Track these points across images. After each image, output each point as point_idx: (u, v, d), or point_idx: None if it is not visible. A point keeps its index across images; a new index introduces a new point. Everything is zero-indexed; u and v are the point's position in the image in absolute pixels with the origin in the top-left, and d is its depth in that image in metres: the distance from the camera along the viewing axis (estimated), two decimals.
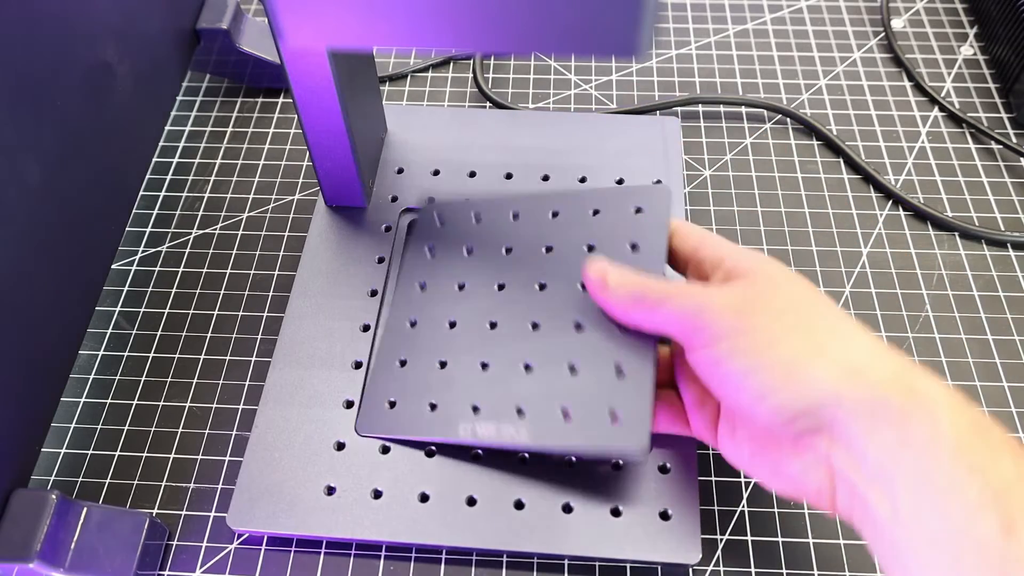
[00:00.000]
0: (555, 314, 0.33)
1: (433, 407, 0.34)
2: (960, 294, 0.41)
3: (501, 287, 0.36)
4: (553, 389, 0.32)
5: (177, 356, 0.40)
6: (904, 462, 0.24)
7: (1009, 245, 0.43)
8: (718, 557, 0.34)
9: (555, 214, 0.36)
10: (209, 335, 0.40)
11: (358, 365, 0.37)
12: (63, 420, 0.38)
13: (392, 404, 0.35)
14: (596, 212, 0.35)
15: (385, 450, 0.35)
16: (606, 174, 0.43)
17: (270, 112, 0.50)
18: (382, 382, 0.36)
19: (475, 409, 0.33)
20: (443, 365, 0.35)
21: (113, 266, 0.43)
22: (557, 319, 0.33)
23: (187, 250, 0.43)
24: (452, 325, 0.36)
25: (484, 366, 0.34)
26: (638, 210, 0.34)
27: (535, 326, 0.34)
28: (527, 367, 0.33)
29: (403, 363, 0.36)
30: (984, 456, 0.24)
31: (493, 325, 0.35)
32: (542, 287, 0.35)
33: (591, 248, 0.34)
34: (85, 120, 0.36)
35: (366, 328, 0.38)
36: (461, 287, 0.36)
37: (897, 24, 0.54)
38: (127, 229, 0.44)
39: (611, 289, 0.31)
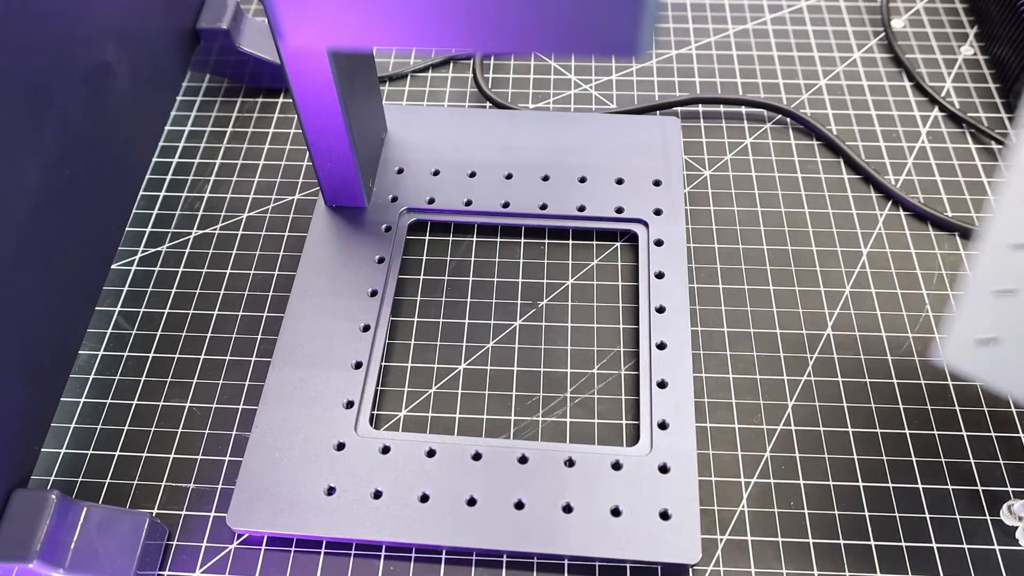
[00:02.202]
0: None
1: None
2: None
3: None
4: None
5: (177, 356, 0.40)
6: None
7: None
8: (718, 557, 0.34)
9: None
10: (209, 335, 0.40)
11: (358, 365, 0.37)
12: (63, 420, 0.38)
13: (990, 341, 0.29)
14: None
15: (385, 450, 0.35)
16: (606, 174, 0.43)
17: (270, 112, 0.50)
18: (978, 308, 0.29)
19: None
20: None
21: (113, 266, 0.43)
22: None
23: (187, 250, 0.43)
24: None
25: None
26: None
27: None
28: None
29: (1008, 293, 0.29)
30: None
31: None
32: None
33: None
34: (85, 120, 0.36)
35: (366, 328, 0.38)
36: None
37: (897, 24, 0.54)
38: (127, 229, 0.44)
39: None
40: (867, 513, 0.34)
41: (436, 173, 0.44)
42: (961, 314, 0.29)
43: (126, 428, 0.38)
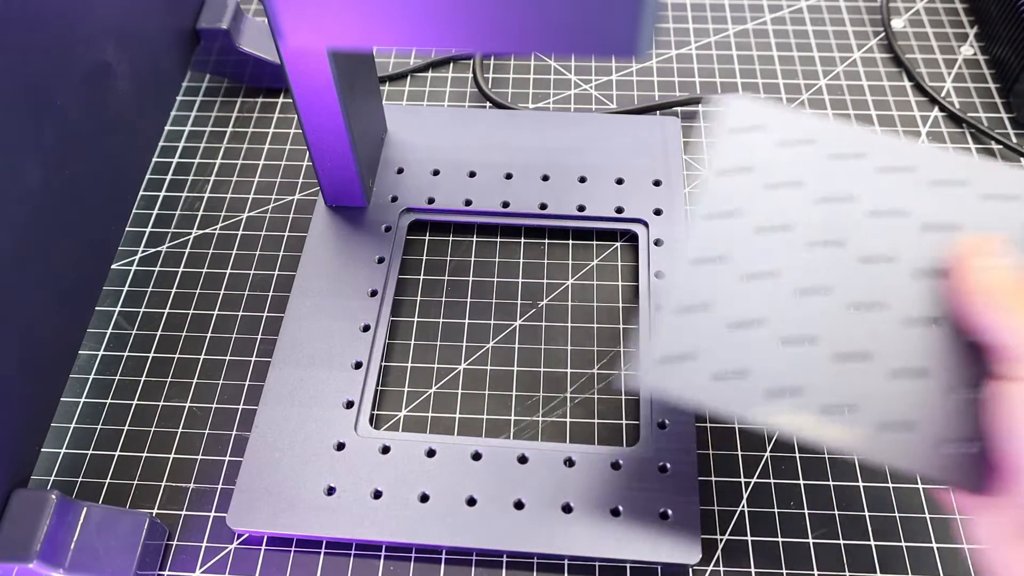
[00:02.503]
0: (900, 301, 0.28)
1: (738, 375, 0.28)
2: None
3: (833, 245, 0.29)
4: (894, 390, 0.27)
5: (177, 356, 0.40)
6: None
7: None
8: (718, 557, 0.34)
9: (910, 168, 0.30)
10: (209, 335, 0.40)
11: (358, 365, 0.37)
12: (63, 420, 0.38)
13: (686, 357, 0.28)
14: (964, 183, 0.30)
15: (385, 450, 0.35)
16: (606, 174, 0.43)
17: (270, 112, 0.50)
18: (677, 327, 0.29)
19: (794, 392, 0.28)
20: (753, 325, 0.28)
21: (113, 266, 0.43)
22: (902, 307, 0.28)
23: (187, 250, 0.43)
24: (769, 276, 0.29)
25: (809, 340, 0.28)
26: None
27: (869, 309, 0.28)
28: (859, 357, 0.28)
29: (703, 307, 0.29)
30: None
31: (816, 291, 0.28)
32: (884, 260, 0.29)
33: (951, 228, 0.29)
34: (85, 120, 0.36)
35: (366, 328, 0.38)
36: (784, 228, 0.29)
37: (897, 24, 0.54)
38: (127, 229, 0.44)
39: (982, 265, 0.27)
40: (867, 513, 0.34)
41: (436, 173, 0.44)
42: (654, 333, 0.29)
43: (126, 428, 0.38)
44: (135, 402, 0.38)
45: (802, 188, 0.30)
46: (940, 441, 0.27)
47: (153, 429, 0.37)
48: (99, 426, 0.38)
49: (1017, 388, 0.24)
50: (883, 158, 0.31)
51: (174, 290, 0.42)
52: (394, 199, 0.43)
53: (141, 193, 0.46)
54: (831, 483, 0.35)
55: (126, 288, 0.42)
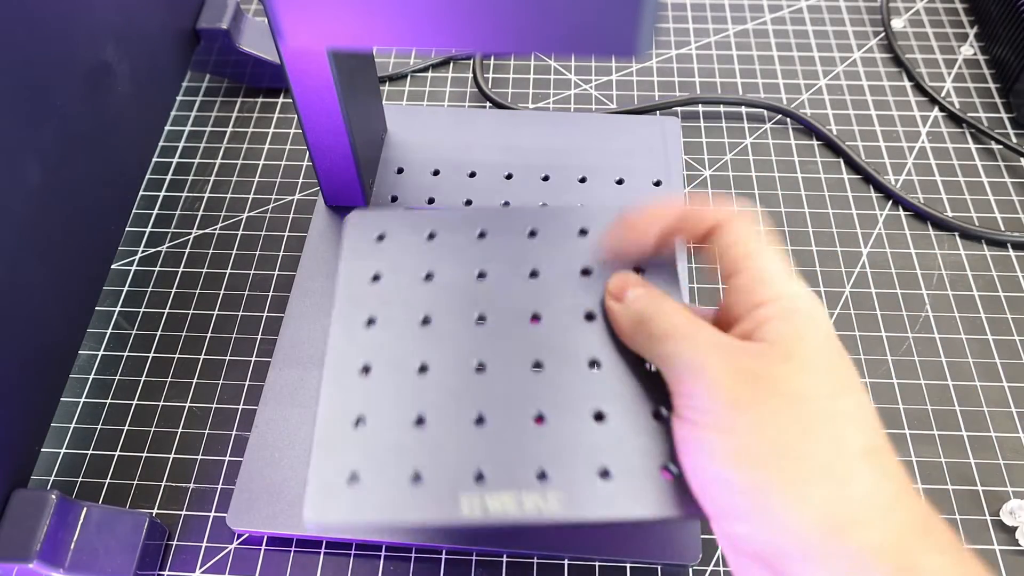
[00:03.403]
0: (561, 350, 0.28)
1: (417, 478, 0.26)
2: (960, 294, 0.41)
3: (481, 319, 0.29)
4: (580, 443, 0.26)
5: (177, 356, 0.40)
6: None
7: (1009, 245, 0.43)
8: (718, 557, 0.34)
9: (532, 233, 0.31)
10: (209, 335, 0.40)
11: None
12: (63, 420, 0.38)
13: (354, 477, 0.26)
14: (583, 232, 0.30)
15: None
16: (606, 174, 0.43)
17: (270, 112, 0.50)
18: (332, 450, 0.26)
19: (479, 477, 0.26)
20: (420, 422, 0.27)
21: (113, 266, 0.43)
22: (565, 356, 0.28)
23: (187, 250, 0.43)
24: (423, 369, 0.28)
25: (479, 420, 0.27)
26: None
27: (538, 366, 0.28)
28: (539, 418, 0.27)
29: (359, 422, 0.27)
30: None
31: (481, 368, 0.28)
32: (535, 318, 0.29)
33: (587, 272, 0.29)
34: (85, 120, 0.36)
35: None
36: (426, 321, 0.29)
37: (897, 24, 0.54)
38: (127, 229, 0.44)
39: (626, 301, 0.27)
40: None
41: (436, 173, 0.44)
42: (318, 460, 0.26)
43: (126, 428, 0.38)
44: (135, 402, 0.38)
45: (437, 278, 0.30)
46: (646, 480, 0.25)
47: (153, 429, 0.37)
48: (99, 426, 0.38)
49: (682, 427, 0.24)
50: (502, 227, 0.31)
51: (174, 290, 0.42)
52: (394, 199, 0.43)
53: (141, 193, 0.46)
54: None
55: (126, 288, 0.42)
